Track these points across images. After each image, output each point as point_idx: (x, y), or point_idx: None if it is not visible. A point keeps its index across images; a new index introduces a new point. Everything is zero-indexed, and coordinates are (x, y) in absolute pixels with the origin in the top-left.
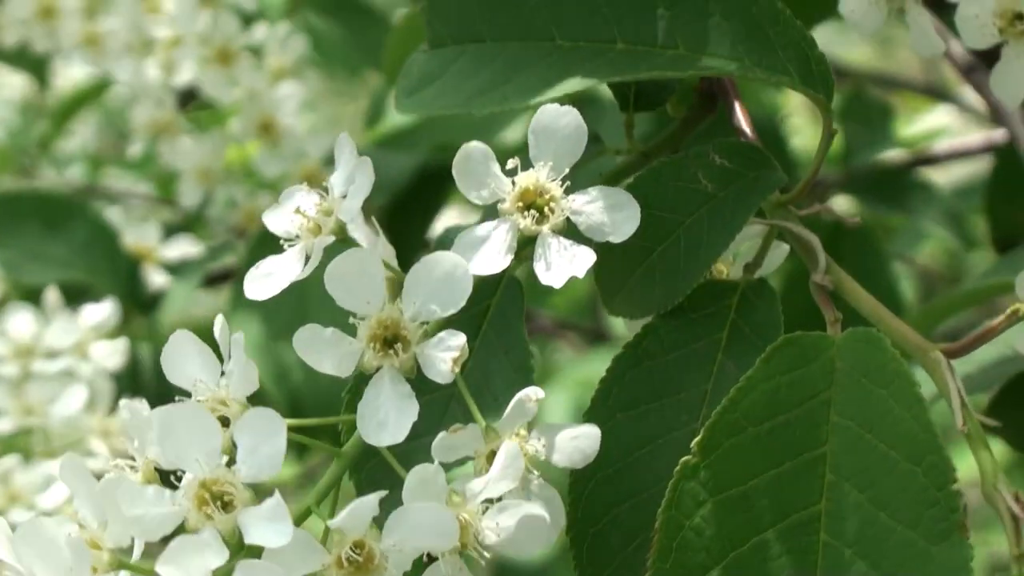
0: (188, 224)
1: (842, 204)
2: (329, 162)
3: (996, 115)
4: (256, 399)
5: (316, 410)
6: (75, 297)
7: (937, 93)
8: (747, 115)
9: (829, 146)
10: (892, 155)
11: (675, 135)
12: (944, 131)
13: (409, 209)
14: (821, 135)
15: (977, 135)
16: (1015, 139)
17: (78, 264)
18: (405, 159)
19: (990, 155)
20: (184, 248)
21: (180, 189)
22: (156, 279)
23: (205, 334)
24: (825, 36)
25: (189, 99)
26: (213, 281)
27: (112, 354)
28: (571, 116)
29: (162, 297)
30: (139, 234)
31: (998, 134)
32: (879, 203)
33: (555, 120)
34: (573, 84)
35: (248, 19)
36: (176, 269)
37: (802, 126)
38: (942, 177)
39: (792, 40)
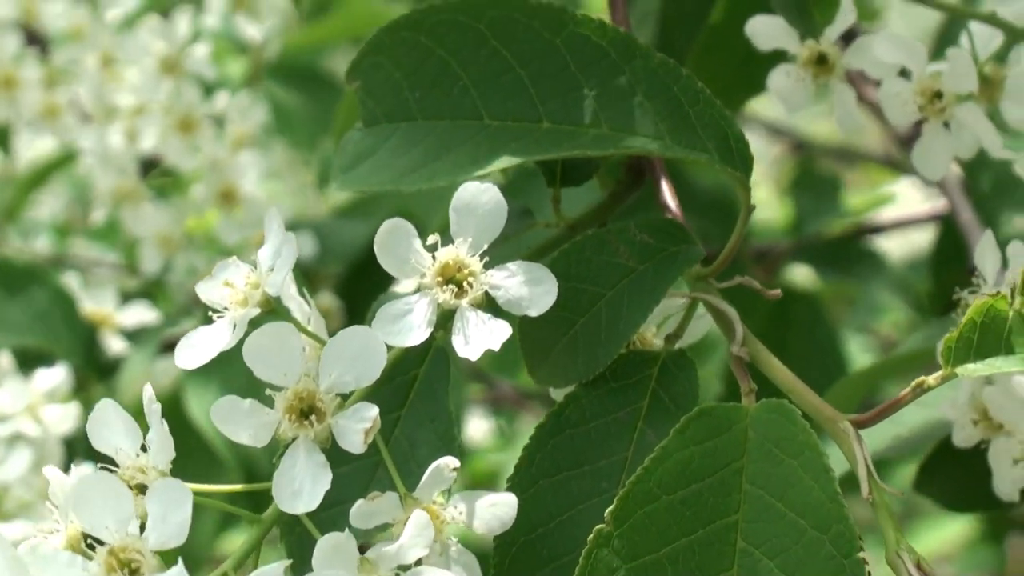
0: (149, 291)
1: (800, 274)
2: (289, 230)
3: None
4: (211, 464)
5: (270, 475)
6: (34, 362)
7: (898, 165)
8: (672, 191)
9: (748, 221)
10: (842, 224)
11: (603, 209)
12: (890, 201)
13: (365, 276)
14: (741, 210)
15: (923, 205)
16: (954, 208)
17: (36, 330)
18: (362, 227)
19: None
20: (141, 314)
21: (141, 256)
22: (114, 345)
23: (163, 401)
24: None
25: (151, 167)
26: (172, 347)
27: (64, 419)
28: (491, 193)
29: (120, 363)
30: (97, 300)
31: (941, 204)
32: (830, 272)
33: (475, 197)
34: (500, 162)
35: (209, 88)
36: (134, 335)
37: (767, 200)
38: (903, 246)
39: (712, 119)
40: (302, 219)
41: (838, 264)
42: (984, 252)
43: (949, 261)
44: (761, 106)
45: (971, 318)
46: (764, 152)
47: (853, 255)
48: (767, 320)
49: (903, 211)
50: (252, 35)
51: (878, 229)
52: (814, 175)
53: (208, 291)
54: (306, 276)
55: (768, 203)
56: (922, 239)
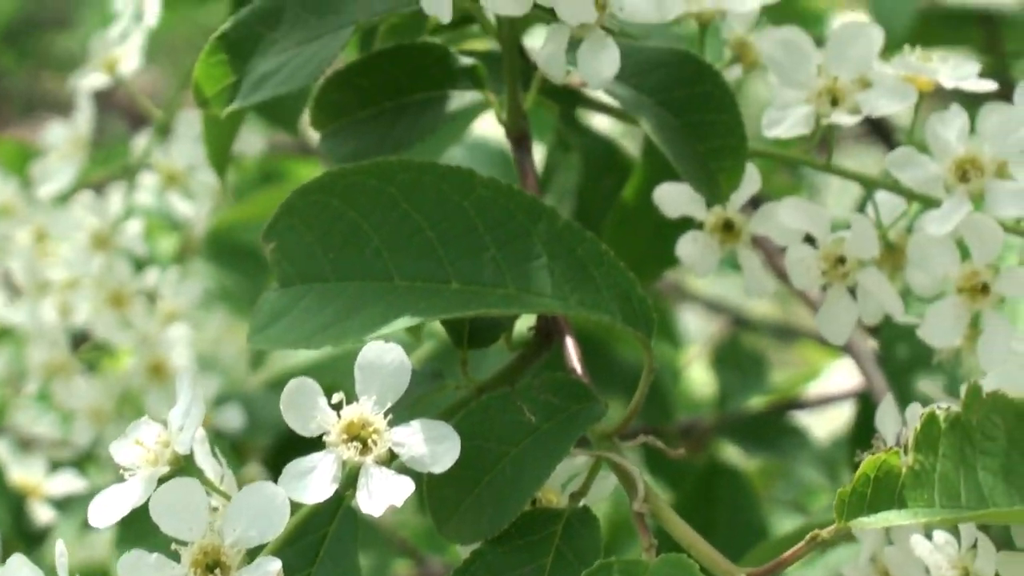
0: (81, 462)
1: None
2: (218, 401)
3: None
4: None
5: None
6: None
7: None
8: (579, 351)
9: (650, 381)
10: (766, 400)
11: (511, 371)
12: (815, 377)
13: (294, 449)
14: (644, 371)
15: (845, 381)
16: (869, 382)
17: None
18: None
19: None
20: (70, 483)
21: (74, 428)
22: (42, 514)
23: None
24: (726, 288)
25: (83, 340)
26: None
27: None
28: (395, 353)
29: (48, 532)
30: (25, 469)
31: (860, 380)
32: (755, 447)
33: (379, 357)
34: (407, 321)
35: (140, 264)
36: (63, 505)
37: (701, 377)
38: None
39: (615, 280)
40: (233, 392)
41: (763, 440)
42: (884, 415)
43: (867, 436)
44: (701, 283)
45: (864, 472)
46: (703, 328)
47: (778, 431)
48: (693, 495)
49: (826, 387)
50: (184, 212)
51: (802, 405)
52: (740, 351)
53: (120, 451)
54: (235, 448)
55: (704, 380)
56: (846, 415)
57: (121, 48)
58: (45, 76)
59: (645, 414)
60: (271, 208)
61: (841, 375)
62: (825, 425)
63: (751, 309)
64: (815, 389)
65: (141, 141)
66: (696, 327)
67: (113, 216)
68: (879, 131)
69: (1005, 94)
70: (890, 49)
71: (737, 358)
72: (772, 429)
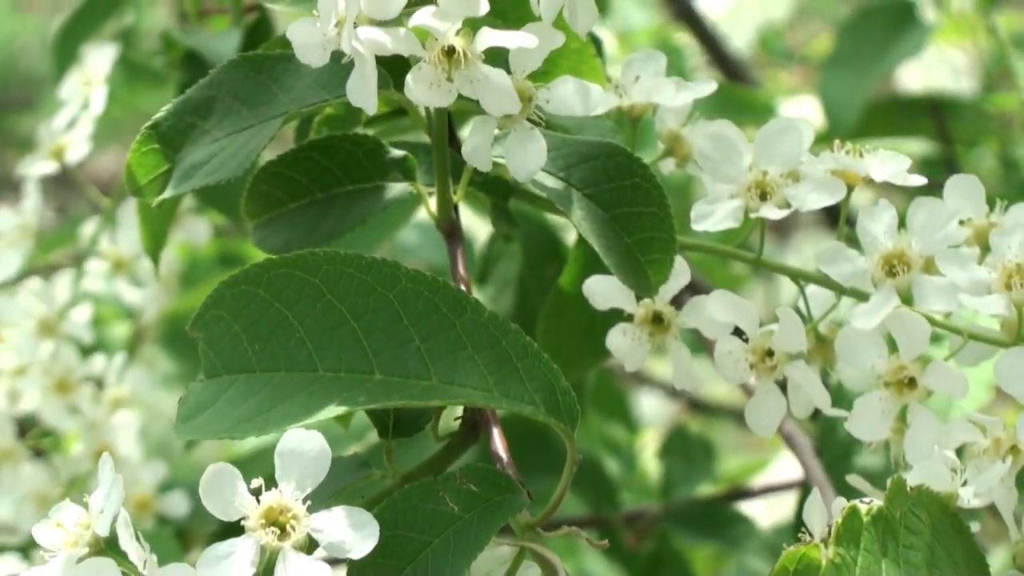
0: (26, 547)
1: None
2: (167, 487)
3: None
4: None
5: None
6: None
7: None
8: (504, 442)
9: (573, 473)
10: (712, 488)
11: (437, 461)
12: (762, 466)
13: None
14: (567, 463)
15: (791, 470)
16: (807, 473)
17: None
18: None
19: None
20: (13, 568)
21: (19, 514)
22: None
23: None
24: None
25: (30, 426)
26: None
27: None
28: (315, 441)
29: None
30: None
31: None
32: (700, 536)
33: (300, 444)
34: (331, 411)
35: (87, 351)
36: None
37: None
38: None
39: (539, 372)
40: (183, 477)
41: (710, 528)
42: (811, 508)
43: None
44: (660, 367)
45: (783, 565)
46: (660, 412)
47: (724, 519)
48: None
49: (773, 476)
50: (131, 299)
51: (749, 494)
52: (688, 439)
53: (42, 533)
54: (179, 535)
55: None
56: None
57: (69, 135)
58: (9, 157)
59: (590, 501)
60: None
61: (788, 464)
62: (772, 513)
63: (711, 393)
64: (763, 478)
65: (89, 228)
66: (656, 410)
67: (60, 303)
68: (834, 219)
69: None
70: (841, 138)
71: (686, 446)
72: (719, 517)
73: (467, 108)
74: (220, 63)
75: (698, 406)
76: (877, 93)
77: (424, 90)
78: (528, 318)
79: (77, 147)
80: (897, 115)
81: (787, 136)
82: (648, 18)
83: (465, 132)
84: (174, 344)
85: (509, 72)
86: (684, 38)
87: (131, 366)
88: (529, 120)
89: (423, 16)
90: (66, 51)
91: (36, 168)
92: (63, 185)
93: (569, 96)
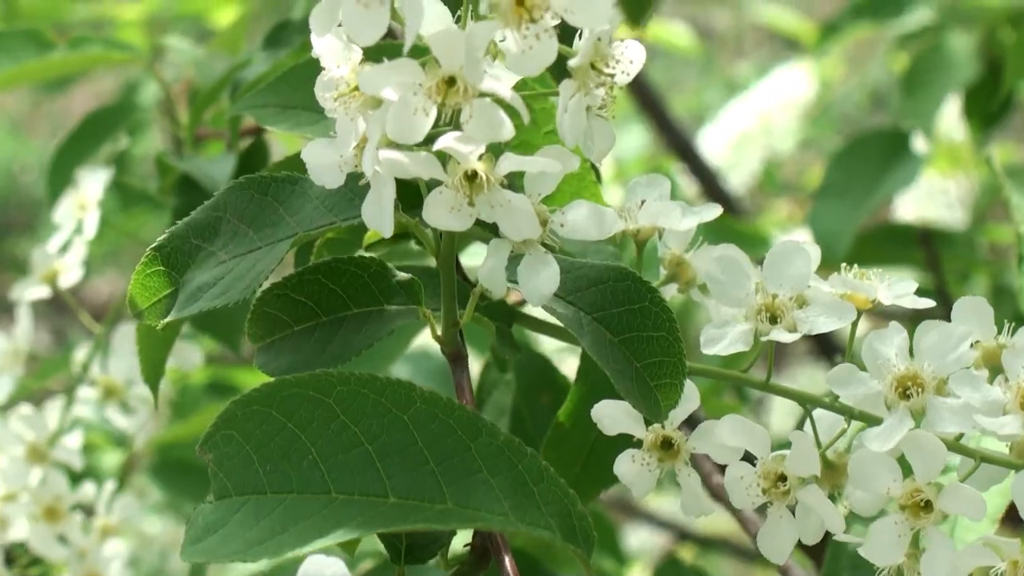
0: None
1: None
2: None
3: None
4: None
5: None
6: None
7: None
8: (515, 569)
9: None
10: None
11: None
12: None
13: None
14: None
15: None
16: None
17: None
18: None
19: None
20: None
21: None
22: None
23: None
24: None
25: (18, 554)
26: None
27: None
28: (336, 567)
29: None
30: None
31: None
32: None
33: (320, 571)
34: (344, 535)
35: (77, 478)
36: None
37: None
38: None
39: (555, 496)
40: None
41: None
42: None
43: None
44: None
45: None
46: (647, 546)
47: None
48: None
49: None
50: (122, 426)
51: None
52: (680, 569)
53: None
54: None
55: None
56: None
57: (62, 260)
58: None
59: None
60: None
61: None
62: None
63: (701, 524)
64: None
65: (81, 353)
66: (644, 543)
67: (51, 429)
68: (825, 348)
69: (945, 312)
70: (832, 269)
71: (679, 573)
72: None
73: (468, 232)
74: (215, 188)
75: (687, 537)
76: (869, 221)
77: (443, 214)
78: None
79: (70, 272)
80: (889, 244)
81: (796, 259)
82: (641, 145)
83: (464, 259)
84: (165, 473)
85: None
86: (676, 167)
87: (121, 494)
88: (543, 244)
89: (448, 140)
90: (61, 175)
91: (29, 293)
92: (60, 309)
93: (583, 220)
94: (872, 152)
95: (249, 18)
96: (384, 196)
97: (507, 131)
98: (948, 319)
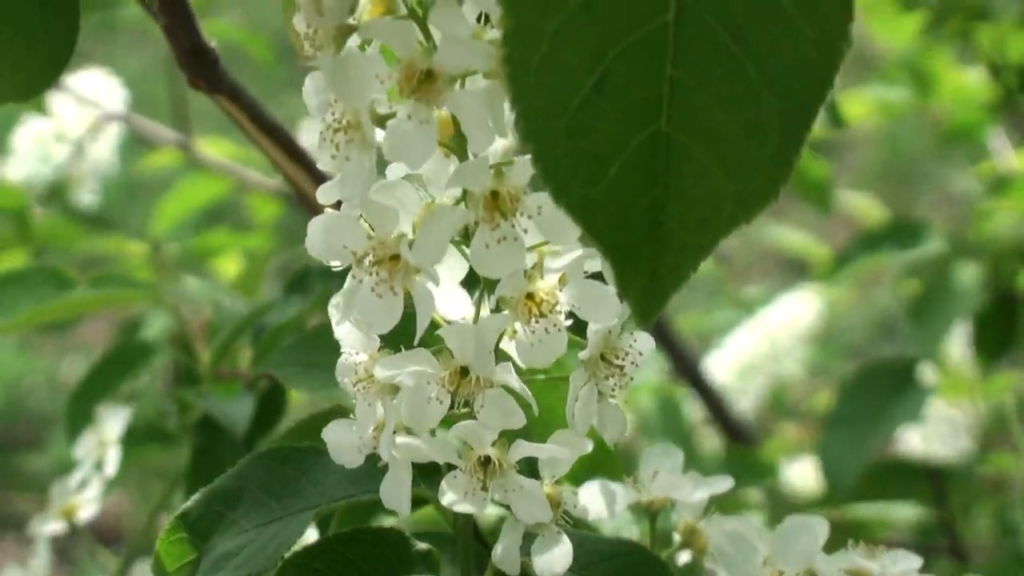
0: None
1: None
2: None
3: None
4: None
5: None
6: None
7: None
8: None
9: None
10: None
11: None
12: None
13: None
14: None
15: None
16: None
17: None
18: None
19: None
20: None
21: None
22: None
23: None
24: None
25: None
26: None
27: None
28: None
29: None
30: None
31: None
32: None
33: None
34: None
35: None
36: None
37: None
38: None
39: None
40: None
41: None
42: None
43: None
44: None
45: None
46: None
47: None
48: None
49: None
50: None
51: None
52: None
53: None
54: None
55: None
56: None
57: (80, 495)
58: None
59: None
60: None
61: None
62: None
63: None
64: None
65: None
66: None
67: None
68: None
69: (953, 548)
70: (840, 503)
71: None
72: None
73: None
74: (234, 428)
75: None
76: (875, 456)
77: (458, 497)
78: None
79: (87, 508)
80: (894, 479)
81: (802, 536)
82: (651, 370)
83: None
84: None
85: (538, 477)
86: (685, 393)
87: None
88: (556, 524)
89: (463, 429)
90: (81, 411)
91: (47, 528)
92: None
93: (595, 500)
94: (880, 383)
95: (266, 261)
96: (402, 478)
97: (519, 420)
98: (955, 557)
